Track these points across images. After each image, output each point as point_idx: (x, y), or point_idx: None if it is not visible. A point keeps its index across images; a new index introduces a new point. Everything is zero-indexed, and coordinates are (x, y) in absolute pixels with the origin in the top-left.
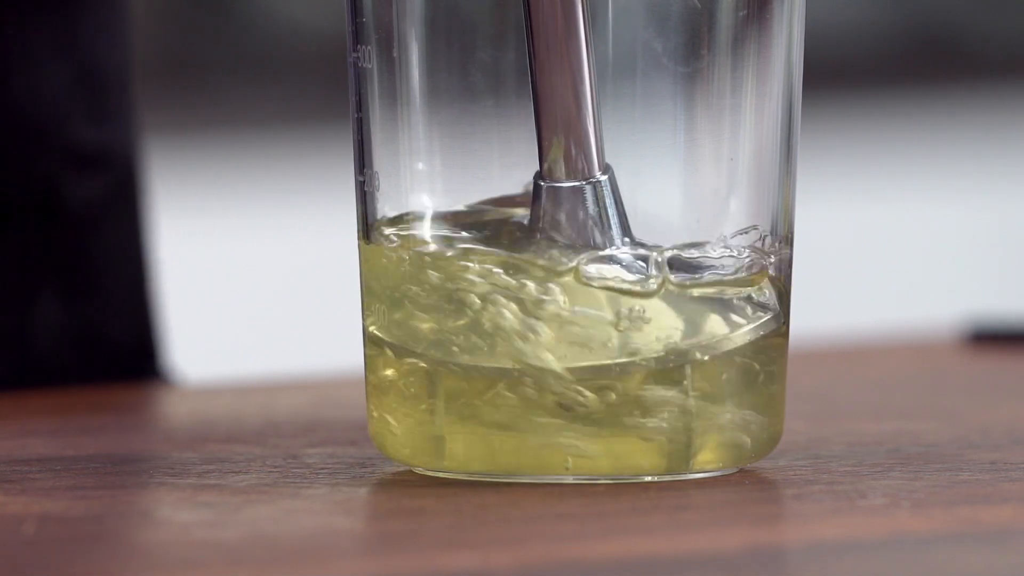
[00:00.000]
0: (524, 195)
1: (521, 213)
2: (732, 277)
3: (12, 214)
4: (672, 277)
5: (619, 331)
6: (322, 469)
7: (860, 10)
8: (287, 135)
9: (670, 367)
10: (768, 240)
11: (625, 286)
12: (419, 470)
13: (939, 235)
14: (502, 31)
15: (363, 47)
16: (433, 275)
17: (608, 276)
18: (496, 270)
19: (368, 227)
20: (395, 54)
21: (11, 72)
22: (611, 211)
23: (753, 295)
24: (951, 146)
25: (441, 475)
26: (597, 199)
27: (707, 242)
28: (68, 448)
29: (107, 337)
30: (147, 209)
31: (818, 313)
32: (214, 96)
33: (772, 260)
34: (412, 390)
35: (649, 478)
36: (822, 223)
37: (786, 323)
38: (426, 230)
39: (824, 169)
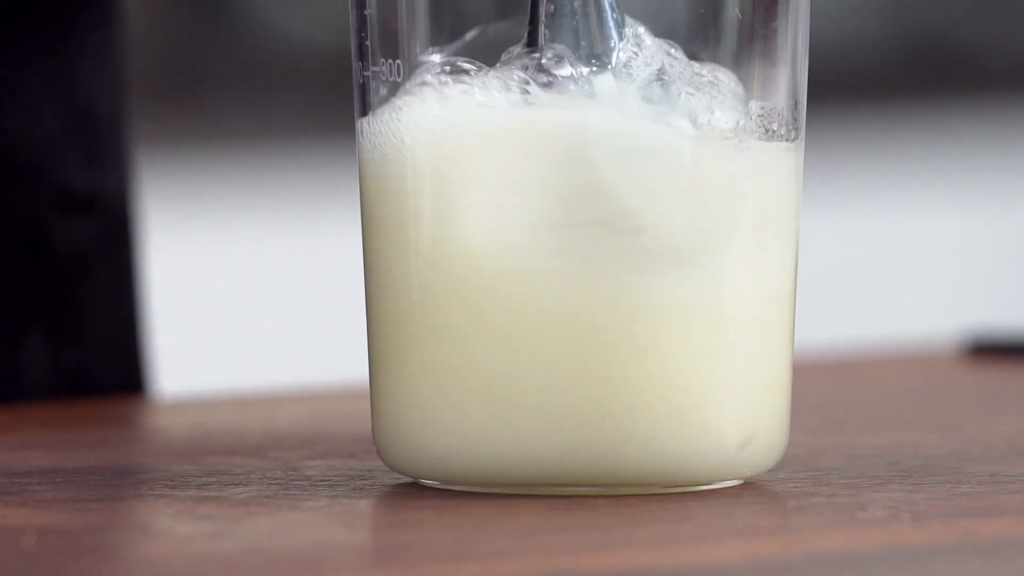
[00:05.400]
0: None
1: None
2: None
3: (2, 255)
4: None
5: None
6: (322, 481)
7: (860, 23)
8: (285, 148)
9: None
10: None
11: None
12: (425, 482)
13: (939, 247)
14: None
15: (388, 61)
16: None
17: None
18: None
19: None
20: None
21: (5, 113)
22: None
23: None
24: (951, 158)
25: (443, 487)
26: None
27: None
28: (68, 460)
29: (94, 380)
30: (138, 252)
31: (818, 326)
32: (210, 109)
33: None
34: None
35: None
36: (821, 235)
37: None
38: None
39: (823, 181)
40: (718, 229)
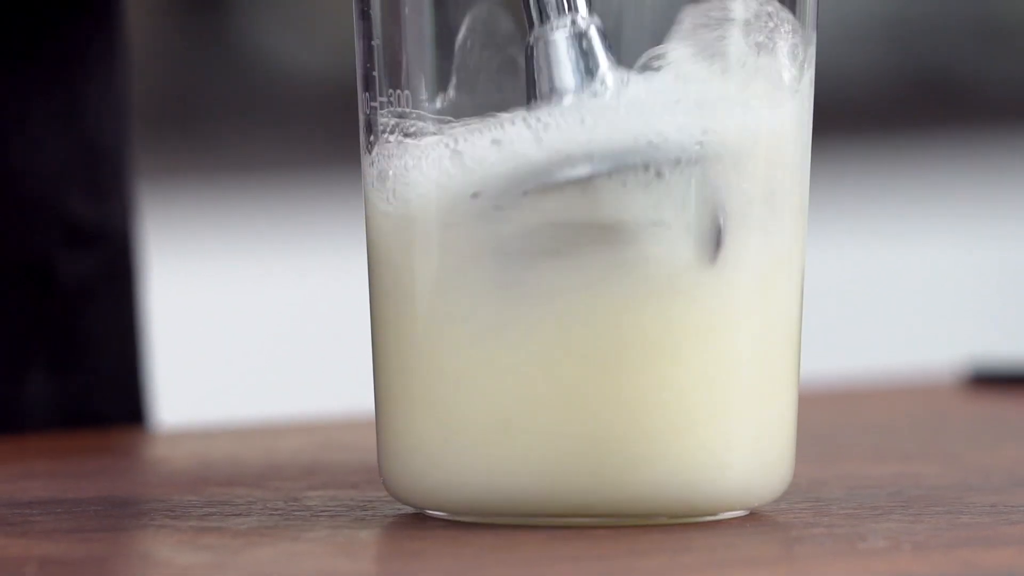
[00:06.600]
0: None
1: None
2: None
3: (6, 287)
4: None
5: None
6: (323, 512)
7: (863, 56)
8: (287, 179)
9: None
10: None
11: None
12: (432, 512)
13: (939, 278)
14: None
15: (395, 92)
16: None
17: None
18: None
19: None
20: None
21: (10, 145)
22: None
23: None
24: (952, 189)
25: (450, 518)
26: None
27: None
28: (69, 491)
29: (96, 411)
30: (141, 285)
31: (819, 356)
32: (213, 141)
33: None
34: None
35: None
36: (822, 265)
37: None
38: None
39: (824, 212)
40: (723, 254)
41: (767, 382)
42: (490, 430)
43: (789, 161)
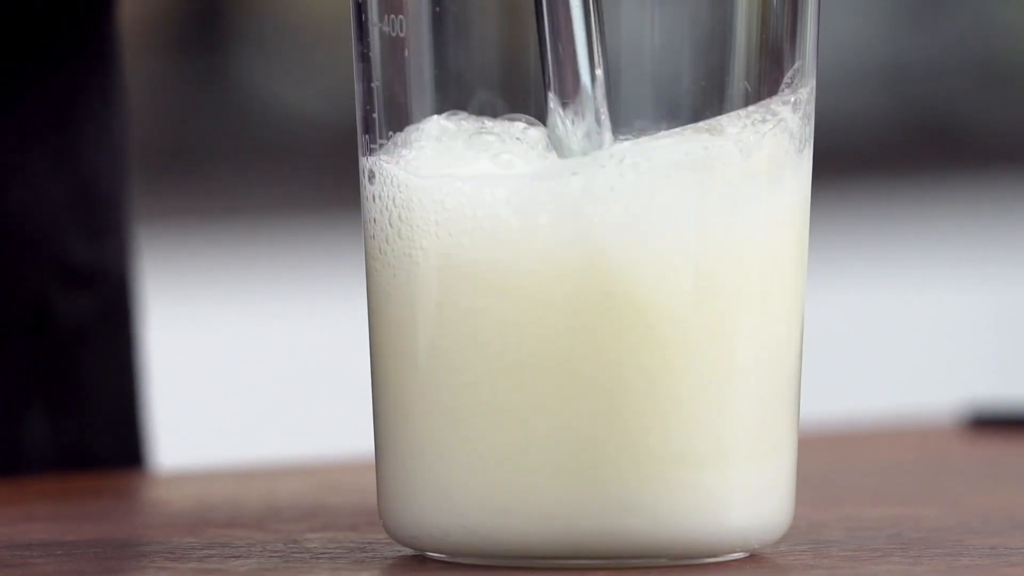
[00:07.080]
0: None
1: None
2: None
3: (3, 329)
4: None
5: None
6: (323, 554)
7: (862, 99)
8: (286, 222)
9: None
10: None
11: None
12: (431, 555)
13: (939, 321)
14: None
15: (394, 134)
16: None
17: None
18: None
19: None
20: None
21: (8, 188)
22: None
23: None
24: (951, 232)
25: (449, 560)
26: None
27: None
28: (68, 533)
29: (95, 453)
30: (139, 327)
31: (818, 398)
32: (211, 184)
33: None
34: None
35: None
36: (822, 308)
37: None
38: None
39: (824, 255)
40: (724, 300)
41: (767, 425)
42: (489, 472)
43: (786, 254)
